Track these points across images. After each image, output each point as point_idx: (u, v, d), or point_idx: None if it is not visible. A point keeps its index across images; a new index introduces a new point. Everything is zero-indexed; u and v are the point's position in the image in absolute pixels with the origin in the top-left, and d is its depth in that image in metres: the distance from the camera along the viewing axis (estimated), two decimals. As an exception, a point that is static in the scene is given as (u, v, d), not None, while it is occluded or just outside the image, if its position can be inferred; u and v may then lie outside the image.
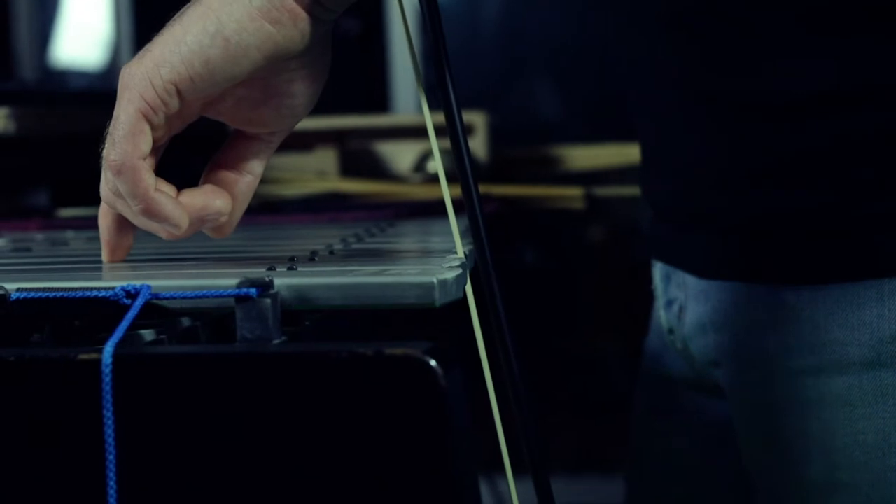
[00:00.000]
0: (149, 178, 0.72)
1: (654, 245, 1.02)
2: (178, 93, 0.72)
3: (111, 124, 0.73)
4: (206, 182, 0.78)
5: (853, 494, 0.88)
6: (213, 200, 0.76)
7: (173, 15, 0.73)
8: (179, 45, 0.71)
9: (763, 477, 0.93)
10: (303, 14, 0.72)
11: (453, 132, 0.71)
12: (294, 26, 0.72)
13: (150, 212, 0.72)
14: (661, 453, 1.09)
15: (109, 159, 0.72)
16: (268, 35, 0.71)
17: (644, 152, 1.01)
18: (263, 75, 0.74)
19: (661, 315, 1.02)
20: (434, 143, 0.74)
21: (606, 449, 1.98)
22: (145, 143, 0.72)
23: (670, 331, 1.01)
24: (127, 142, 0.72)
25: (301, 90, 0.75)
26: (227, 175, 0.78)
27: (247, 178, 0.78)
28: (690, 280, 0.96)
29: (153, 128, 0.72)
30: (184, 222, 0.74)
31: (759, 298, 0.90)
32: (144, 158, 0.72)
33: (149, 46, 0.73)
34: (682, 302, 0.98)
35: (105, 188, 0.74)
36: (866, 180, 0.85)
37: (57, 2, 2.78)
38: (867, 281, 0.86)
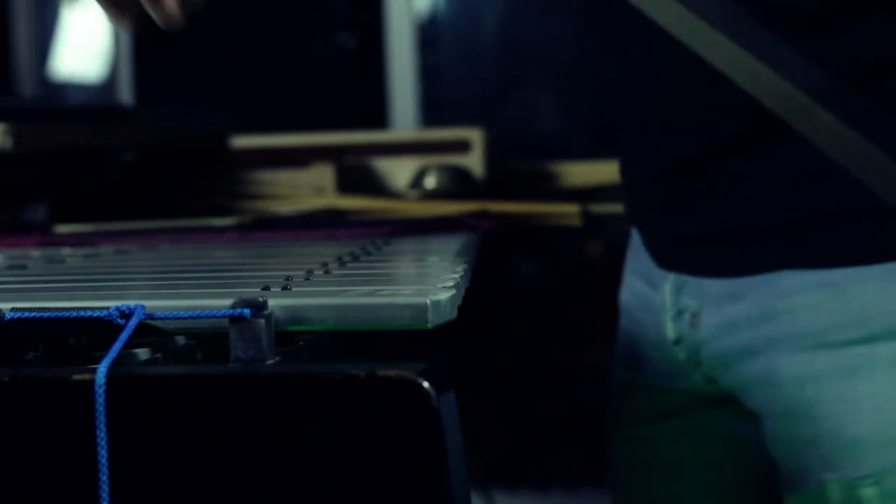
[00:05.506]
0: None
1: (667, 260, 1.07)
2: None
3: None
4: None
5: None
6: None
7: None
8: None
9: (808, 449, 0.98)
10: None
11: None
12: None
13: None
14: (652, 459, 1.15)
15: None
16: None
17: (657, 179, 1.05)
18: None
19: (668, 326, 1.06)
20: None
21: (603, 465, 1.97)
22: None
23: (677, 341, 1.06)
24: None
25: None
26: None
27: None
28: (711, 285, 1.02)
29: None
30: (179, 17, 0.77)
31: (806, 284, 0.97)
32: None
33: None
34: (695, 310, 1.04)
35: None
36: None
37: (56, 15, 2.78)
38: None
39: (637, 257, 1.13)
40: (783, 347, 0.98)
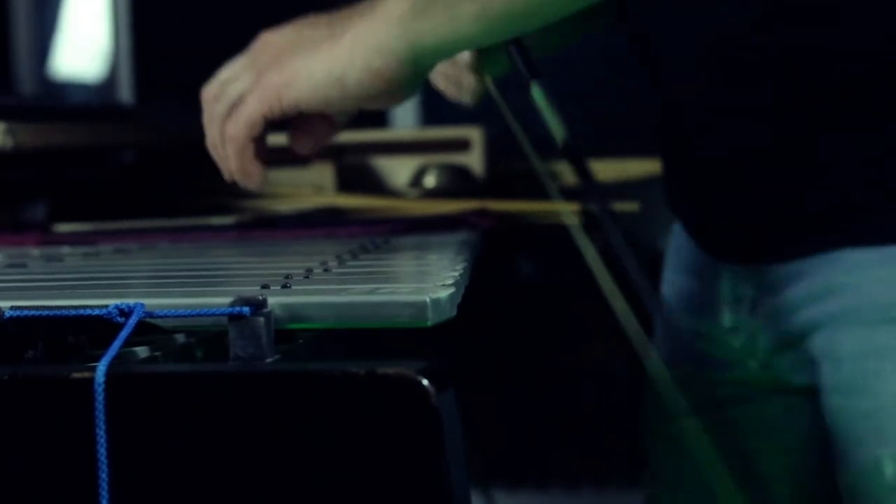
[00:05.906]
0: (248, 154, 0.90)
1: (723, 251, 1.08)
2: (299, 108, 0.89)
3: (241, 97, 0.90)
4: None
5: None
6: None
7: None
8: (311, 77, 0.88)
9: (864, 423, 0.98)
10: (413, 77, 0.87)
11: None
12: (400, 86, 0.87)
13: (242, 173, 0.90)
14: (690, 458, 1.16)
15: (228, 129, 0.90)
16: (379, 91, 0.87)
17: (710, 172, 1.06)
18: None
19: (724, 315, 1.08)
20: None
21: (604, 463, 1.98)
22: (258, 129, 0.89)
23: (733, 329, 1.08)
24: (246, 127, 0.89)
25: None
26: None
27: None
28: (770, 271, 1.03)
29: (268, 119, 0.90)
30: (258, 184, 0.91)
31: (872, 260, 0.97)
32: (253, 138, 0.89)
33: (289, 48, 0.90)
34: (753, 297, 1.05)
35: (213, 136, 0.92)
36: None
37: (56, 15, 2.78)
38: None
39: (680, 253, 1.14)
40: (846, 322, 0.99)
